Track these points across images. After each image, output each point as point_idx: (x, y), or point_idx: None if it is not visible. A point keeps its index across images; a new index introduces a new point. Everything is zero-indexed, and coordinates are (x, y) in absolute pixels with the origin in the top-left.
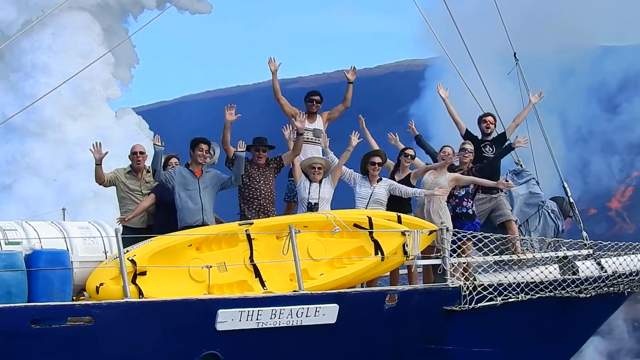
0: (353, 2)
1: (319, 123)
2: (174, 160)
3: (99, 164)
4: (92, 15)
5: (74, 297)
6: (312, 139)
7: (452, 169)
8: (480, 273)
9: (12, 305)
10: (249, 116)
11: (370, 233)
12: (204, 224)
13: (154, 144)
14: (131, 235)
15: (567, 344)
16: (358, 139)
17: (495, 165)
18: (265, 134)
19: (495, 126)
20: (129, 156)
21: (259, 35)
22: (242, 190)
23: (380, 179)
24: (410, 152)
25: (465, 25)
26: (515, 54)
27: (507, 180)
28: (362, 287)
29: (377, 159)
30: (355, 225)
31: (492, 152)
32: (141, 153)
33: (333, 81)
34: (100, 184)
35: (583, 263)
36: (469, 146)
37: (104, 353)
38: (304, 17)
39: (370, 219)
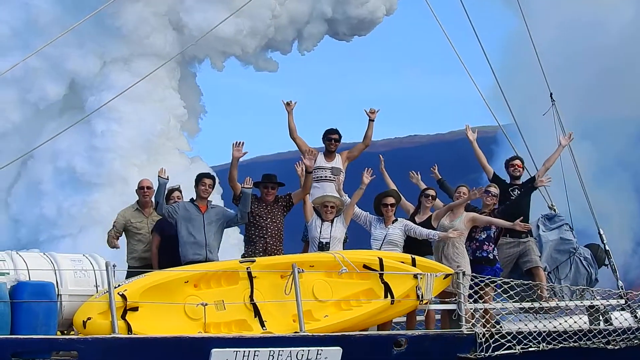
0: (425, 66)
1: (338, 161)
2: (176, 194)
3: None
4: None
5: (64, 331)
6: (329, 177)
7: (475, 211)
8: (509, 321)
9: None
10: None
11: (381, 275)
12: (207, 260)
13: (158, 176)
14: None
15: None
16: (371, 176)
17: (521, 208)
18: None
19: (523, 170)
20: (136, 191)
21: (328, 99)
22: (248, 228)
23: (396, 220)
24: (431, 192)
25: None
26: (551, 94)
27: (538, 226)
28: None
29: (390, 200)
30: (365, 267)
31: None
32: (148, 188)
33: (405, 146)
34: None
35: (620, 314)
36: (494, 189)
37: None
38: (375, 82)
39: (381, 260)
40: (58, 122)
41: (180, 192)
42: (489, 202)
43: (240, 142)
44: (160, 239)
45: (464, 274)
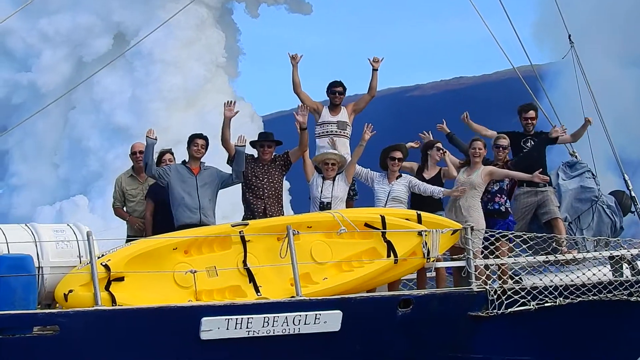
0: (468, 10)
1: (344, 115)
2: (167, 156)
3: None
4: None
5: (49, 305)
6: (336, 131)
7: (487, 164)
8: (528, 276)
9: None
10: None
11: (383, 233)
12: (201, 224)
13: (146, 136)
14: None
15: (621, 355)
16: (372, 132)
17: (535, 160)
18: (390, 140)
19: (536, 120)
20: (129, 155)
21: (375, 44)
22: (245, 190)
23: (400, 175)
24: (439, 144)
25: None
26: (570, 36)
27: (557, 174)
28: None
29: (398, 154)
30: (366, 225)
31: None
32: (141, 152)
33: (452, 87)
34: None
35: None
36: (504, 141)
37: None
38: (421, 26)
39: (383, 217)
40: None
41: (172, 154)
42: (501, 156)
43: (232, 101)
44: (154, 204)
45: (472, 228)
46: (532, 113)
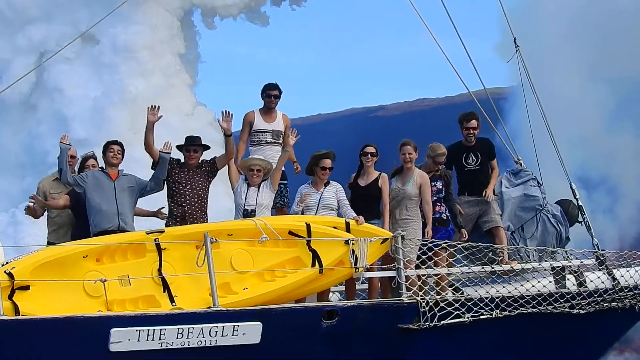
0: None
1: (279, 122)
2: (91, 161)
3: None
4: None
5: None
6: (271, 140)
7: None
8: (467, 286)
9: None
10: (332, 145)
11: (308, 242)
12: (120, 230)
13: (60, 142)
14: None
15: None
16: (295, 137)
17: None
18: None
19: (478, 130)
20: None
21: (337, 62)
22: (168, 196)
23: (329, 182)
24: (370, 149)
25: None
26: (515, 39)
27: (501, 182)
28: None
29: (329, 163)
30: (291, 233)
31: (476, 162)
32: (72, 157)
33: (415, 108)
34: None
35: (596, 275)
36: (442, 158)
37: None
38: (386, 46)
39: (308, 225)
40: None
41: (96, 159)
42: (435, 169)
43: (155, 106)
44: (70, 203)
45: (402, 237)
46: (473, 123)
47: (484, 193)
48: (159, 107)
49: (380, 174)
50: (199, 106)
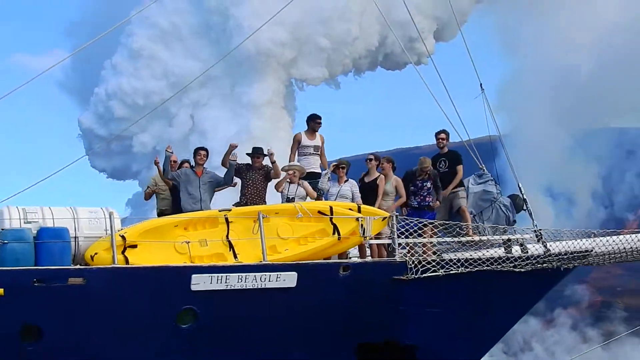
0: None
1: (318, 140)
2: (186, 164)
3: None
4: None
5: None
6: (312, 152)
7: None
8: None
9: (18, 268)
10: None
11: (331, 218)
12: (201, 209)
13: (165, 150)
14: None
15: (506, 314)
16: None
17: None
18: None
19: (447, 141)
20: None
21: (385, 115)
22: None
23: (347, 180)
24: (371, 157)
25: None
26: (481, 84)
27: (469, 181)
28: None
29: (343, 166)
30: (319, 212)
31: (445, 166)
32: (174, 162)
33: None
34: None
35: (534, 246)
36: (427, 168)
37: (96, 309)
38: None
39: (331, 208)
40: None
41: (189, 162)
42: (421, 174)
43: (236, 145)
44: (171, 195)
45: (396, 217)
46: (442, 135)
47: (446, 190)
48: (237, 146)
49: (379, 175)
50: None
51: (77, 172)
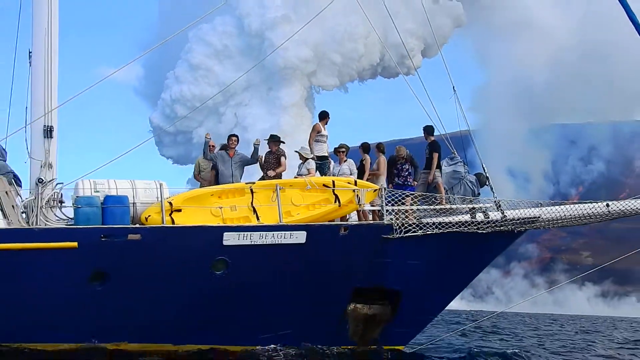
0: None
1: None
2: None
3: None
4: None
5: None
6: (325, 141)
7: (393, 158)
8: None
9: (88, 226)
10: None
11: (333, 190)
12: (233, 182)
13: (205, 136)
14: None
15: (471, 266)
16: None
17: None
18: None
19: (430, 134)
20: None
21: (384, 116)
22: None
23: (346, 160)
24: (340, 148)
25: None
26: (454, 87)
27: (444, 162)
28: None
29: (342, 148)
30: (324, 185)
31: (427, 152)
32: (212, 146)
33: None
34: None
35: (494, 213)
36: (402, 152)
37: (149, 258)
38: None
39: (333, 182)
40: None
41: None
42: (399, 158)
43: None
44: (212, 173)
45: (385, 189)
46: (426, 131)
47: (430, 173)
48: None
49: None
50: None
51: (150, 159)
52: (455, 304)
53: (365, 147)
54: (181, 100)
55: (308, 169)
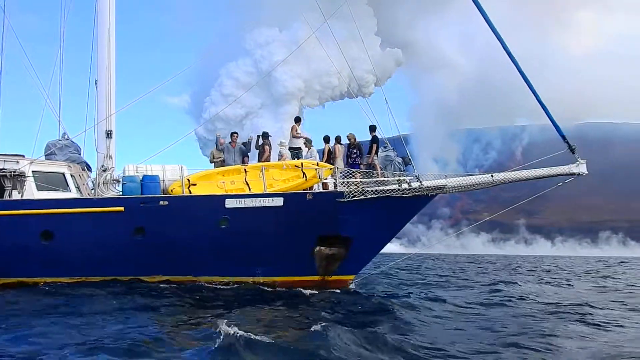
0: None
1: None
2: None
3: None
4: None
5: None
6: (300, 137)
7: (348, 144)
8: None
9: (132, 196)
10: None
11: (302, 169)
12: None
13: (216, 135)
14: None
15: (399, 219)
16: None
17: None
18: None
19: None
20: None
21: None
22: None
23: (311, 149)
24: (308, 142)
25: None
26: (386, 99)
27: (379, 150)
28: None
29: (309, 142)
30: (295, 166)
31: (369, 142)
32: (221, 143)
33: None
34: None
35: (415, 184)
36: (352, 139)
37: (174, 219)
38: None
39: (302, 164)
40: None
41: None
42: (353, 144)
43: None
44: (221, 158)
45: (338, 168)
46: (370, 129)
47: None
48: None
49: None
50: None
51: (193, 158)
52: (395, 248)
53: (325, 139)
54: (217, 117)
55: (282, 154)
